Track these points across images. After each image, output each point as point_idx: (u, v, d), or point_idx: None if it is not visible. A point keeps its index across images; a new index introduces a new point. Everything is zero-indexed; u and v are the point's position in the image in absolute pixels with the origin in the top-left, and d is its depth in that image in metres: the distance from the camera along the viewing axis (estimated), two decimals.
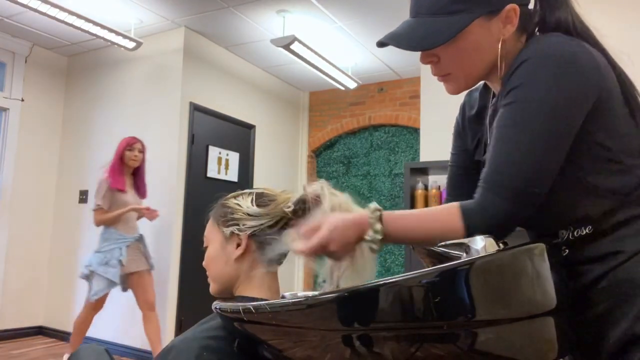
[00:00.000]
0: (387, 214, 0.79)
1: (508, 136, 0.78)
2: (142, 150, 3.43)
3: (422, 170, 3.28)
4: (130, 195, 3.36)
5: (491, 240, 0.72)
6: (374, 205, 0.80)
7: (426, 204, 3.14)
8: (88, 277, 3.21)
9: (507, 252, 0.70)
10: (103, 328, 4.08)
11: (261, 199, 0.95)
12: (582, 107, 0.78)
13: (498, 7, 0.80)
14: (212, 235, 0.99)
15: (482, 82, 0.96)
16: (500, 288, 0.66)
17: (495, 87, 0.91)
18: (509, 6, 0.80)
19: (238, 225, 0.93)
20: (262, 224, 0.92)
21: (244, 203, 0.95)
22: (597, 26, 0.86)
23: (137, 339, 3.87)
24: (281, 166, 5.31)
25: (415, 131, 5.04)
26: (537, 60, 0.77)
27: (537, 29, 0.86)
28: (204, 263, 1.02)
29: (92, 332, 4.15)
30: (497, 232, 0.77)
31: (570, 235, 0.83)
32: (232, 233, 0.94)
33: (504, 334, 0.65)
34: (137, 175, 3.47)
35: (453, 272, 0.64)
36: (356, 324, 0.64)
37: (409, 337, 0.63)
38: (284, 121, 5.38)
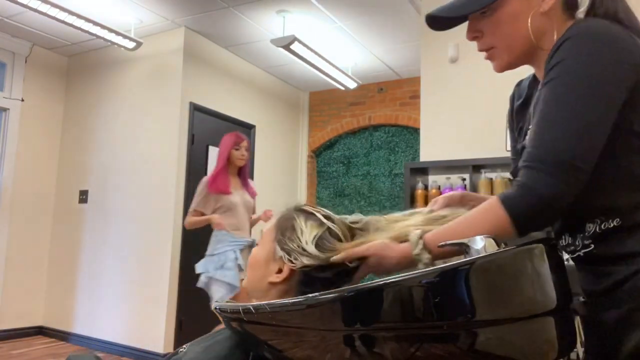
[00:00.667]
0: (429, 238, 0.79)
1: (549, 113, 0.77)
2: (248, 149, 3.20)
3: (422, 170, 3.28)
4: (237, 196, 3.13)
5: (491, 241, 0.72)
6: (416, 235, 0.80)
7: (426, 204, 3.13)
8: (207, 285, 2.96)
9: (507, 252, 0.70)
10: (104, 328, 4.09)
11: (323, 241, 0.86)
12: (620, 87, 0.77)
13: None
14: (266, 239, 0.92)
15: (532, 73, 0.98)
16: (500, 288, 0.66)
17: (540, 75, 0.90)
18: None
19: (289, 254, 0.85)
20: (312, 265, 0.84)
21: (306, 235, 0.86)
22: None
23: (137, 339, 3.87)
24: (281, 166, 5.31)
25: (415, 131, 5.04)
26: (577, 38, 0.78)
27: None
28: (250, 259, 0.95)
29: (92, 333, 4.16)
30: (546, 216, 0.75)
31: (598, 228, 0.82)
32: (281, 257, 0.87)
33: (504, 334, 0.65)
34: (242, 175, 3.25)
35: (453, 272, 0.64)
36: (356, 324, 0.64)
37: (409, 337, 0.63)
38: (284, 121, 5.38)
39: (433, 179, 3.32)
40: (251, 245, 3.12)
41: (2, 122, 4.30)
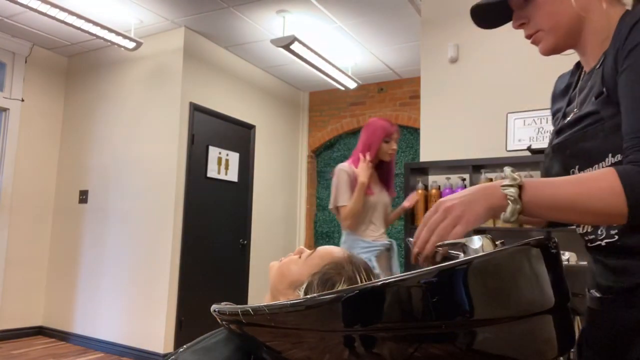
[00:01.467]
0: (527, 181, 0.72)
1: (636, 93, 0.73)
2: (397, 140, 2.80)
3: (422, 170, 3.28)
4: (377, 195, 2.72)
5: (488, 240, 0.72)
6: (510, 171, 0.73)
7: (426, 204, 3.13)
8: None
9: (505, 251, 0.70)
10: (104, 328, 4.09)
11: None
12: None
13: None
14: (308, 265, 0.88)
15: (571, 69, 0.98)
16: (498, 287, 0.66)
17: (585, 60, 0.90)
18: None
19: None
20: None
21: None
22: None
23: (137, 339, 3.87)
24: (281, 166, 5.31)
25: (415, 131, 5.04)
26: None
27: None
28: (283, 267, 0.90)
29: (92, 333, 4.16)
30: None
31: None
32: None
33: (503, 333, 0.65)
34: (383, 169, 2.81)
35: (451, 271, 0.64)
36: (355, 325, 0.64)
37: (407, 337, 0.63)
38: (284, 121, 5.38)
39: (433, 179, 3.32)
40: (389, 248, 2.72)
41: (2, 122, 4.30)
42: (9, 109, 4.30)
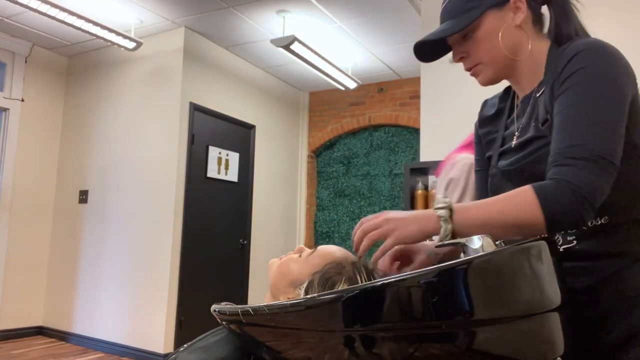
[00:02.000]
0: (457, 204, 0.79)
1: (578, 114, 0.80)
2: None
3: (422, 171, 3.28)
4: None
5: (489, 240, 0.72)
6: (442, 198, 0.80)
7: (426, 204, 3.13)
8: None
9: (505, 251, 0.70)
10: (104, 328, 4.09)
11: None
12: (628, 94, 0.83)
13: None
14: (308, 264, 0.89)
15: (499, 93, 1.07)
16: (498, 287, 0.66)
17: (519, 88, 0.99)
18: None
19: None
20: None
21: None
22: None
23: (137, 339, 3.87)
24: (281, 166, 5.31)
25: (415, 131, 5.04)
26: (591, 49, 0.84)
27: (560, 37, 0.94)
28: (282, 266, 0.91)
29: (92, 333, 4.16)
30: (580, 212, 0.75)
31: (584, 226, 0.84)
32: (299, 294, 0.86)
33: (503, 333, 0.65)
34: None
35: (451, 271, 0.64)
36: (355, 325, 0.64)
37: (407, 337, 0.63)
38: (284, 121, 5.38)
39: (433, 179, 3.32)
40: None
41: (2, 122, 4.30)
42: (9, 109, 4.30)
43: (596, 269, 0.84)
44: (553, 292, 0.71)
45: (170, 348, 3.77)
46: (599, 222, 0.84)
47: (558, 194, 0.75)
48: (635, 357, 0.80)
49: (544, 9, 0.97)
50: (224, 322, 0.79)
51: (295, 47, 3.66)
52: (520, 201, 0.77)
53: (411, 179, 3.20)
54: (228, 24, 3.96)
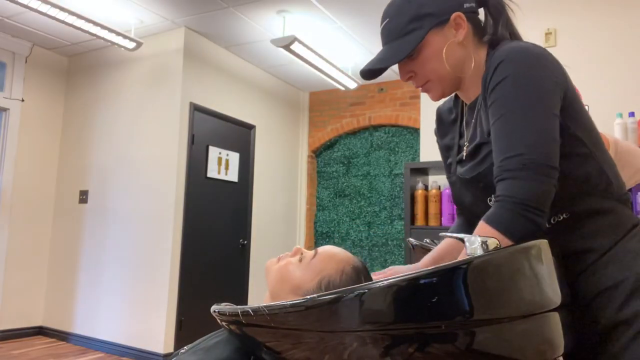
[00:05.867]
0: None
1: (507, 126, 0.82)
2: None
3: (422, 171, 3.28)
4: None
5: (493, 240, 0.72)
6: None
7: (426, 204, 3.13)
8: None
9: (505, 251, 0.70)
10: (104, 328, 4.09)
11: None
12: (558, 94, 0.85)
13: (445, 18, 0.93)
14: (311, 269, 0.87)
15: (450, 98, 1.10)
16: (497, 287, 0.66)
17: (466, 96, 1.00)
18: (454, 14, 0.93)
19: None
20: None
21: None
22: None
23: (137, 339, 3.87)
24: (281, 166, 5.31)
25: (415, 131, 5.04)
26: (513, 56, 0.86)
27: (495, 41, 0.97)
28: (282, 270, 0.89)
29: (92, 333, 4.16)
30: (535, 219, 0.76)
31: (547, 223, 0.87)
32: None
33: (503, 333, 0.65)
34: None
35: (451, 272, 0.64)
36: (354, 325, 0.64)
37: (407, 337, 0.63)
38: (284, 121, 5.38)
39: (433, 179, 3.32)
40: None
41: (2, 122, 4.30)
42: (9, 109, 4.30)
43: (568, 265, 0.86)
44: (553, 292, 0.71)
45: (170, 348, 3.77)
46: (561, 218, 0.87)
47: (510, 218, 0.76)
48: (622, 346, 0.81)
49: (482, 14, 0.99)
50: (223, 323, 0.79)
51: (295, 47, 3.66)
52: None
53: (411, 179, 3.20)
54: (228, 24, 3.96)
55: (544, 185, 0.77)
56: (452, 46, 0.94)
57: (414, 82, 1.00)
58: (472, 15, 0.95)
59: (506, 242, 0.75)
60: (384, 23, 0.99)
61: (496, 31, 0.96)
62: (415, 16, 0.93)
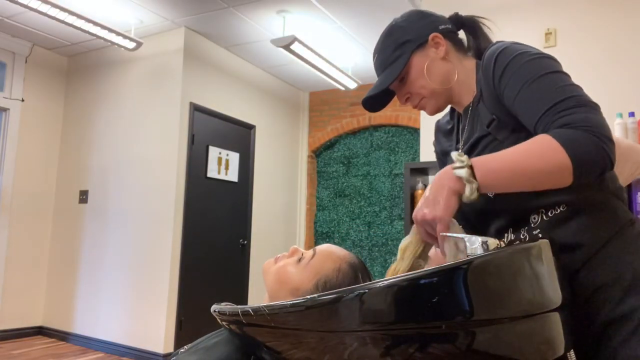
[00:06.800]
0: (475, 159, 0.80)
1: (540, 85, 0.83)
2: None
3: (422, 171, 3.28)
4: None
5: (493, 240, 0.72)
6: (457, 154, 0.81)
7: None
8: None
9: (505, 251, 0.70)
10: (104, 328, 4.09)
11: None
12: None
13: (423, 40, 1.01)
14: (309, 271, 0.86)
15: (447, 113, 1.16)
16: (498, 287, 0.66)
17: (460, 105, 1.06)
18: (431, 35, 1.01)
19: None
20: None
21: None
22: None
23: (137, 339, 3.87)
24: (281, 166, 5.31)
25: (415, 131, 5.04)
26: (509, 45, 0.91)
27: (480, 54, 1.02)
28: (281, 272, 0.89)
29: (92, 333, 4.16)
30: (606, 150, 0.75)
31: (544, 216, 0.87)
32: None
33: (503, 333, 0.65)
34: None
35: (451, 272, 0.64)
36: (355, 325, 0.64)
37: (407, 337, 0.63)
38: (284, 121, 5.38)
39: (433, 179, 3.32)
40: None
41: (2, 122, 4.30)
42: (9, 109, 4.30)
43: (564, 260, 0.85)
44: (553, 292, 0.71)
45: (170, 348, 3.77)
46: (559, 211, 0.86)
47: (578, 136, 0.75)
48: (621, 339, 0.81)
49: (462, 35, 1.07)
50: (223, 323, 0.79)
51: (295, 47, 3.66)
52: (542, 147, 0.77)
53: (411, 179, 3.20)
54: (228, 24, 3.96)
55: (604, 120, 0.78)
56: (435, 62, 1.02)
57: (411, 103, 1.07)
58: (449, 34, 1.03)
59: (562, 158, 0.74)
60: (374, 60, 1.08)
61: (479, 45, 1.04)
62: (397, 45, 1.02)
